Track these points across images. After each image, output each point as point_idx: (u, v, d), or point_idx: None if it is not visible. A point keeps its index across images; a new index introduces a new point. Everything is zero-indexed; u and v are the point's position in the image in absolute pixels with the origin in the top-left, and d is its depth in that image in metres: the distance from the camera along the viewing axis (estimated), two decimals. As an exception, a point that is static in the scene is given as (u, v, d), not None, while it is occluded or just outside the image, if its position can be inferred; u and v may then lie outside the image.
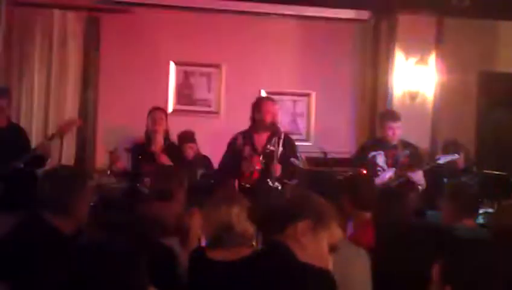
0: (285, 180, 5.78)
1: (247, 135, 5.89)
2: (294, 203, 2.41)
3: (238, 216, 3.14)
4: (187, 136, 6.55)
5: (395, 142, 6.19)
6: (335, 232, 2.41)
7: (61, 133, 5.97)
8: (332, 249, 2.41)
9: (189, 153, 6.44)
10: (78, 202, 2.86)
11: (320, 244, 2.37)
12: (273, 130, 5.79)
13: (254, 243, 3.29)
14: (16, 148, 5.81)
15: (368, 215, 4.02)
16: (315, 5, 7.40)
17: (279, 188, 5.75)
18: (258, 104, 5.91)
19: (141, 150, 6.09)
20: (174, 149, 6.12)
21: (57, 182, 2.91)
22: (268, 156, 5.65)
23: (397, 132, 6.19)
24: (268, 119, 5.79)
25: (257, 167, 5.72)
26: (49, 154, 5.88)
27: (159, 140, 6.07)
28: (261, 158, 5.75)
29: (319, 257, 2.36)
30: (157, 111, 6.20)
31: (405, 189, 5.92)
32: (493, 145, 7.64)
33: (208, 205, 3.30)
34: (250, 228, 3.18)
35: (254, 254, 3.01)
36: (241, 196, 3.35)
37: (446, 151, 6.31)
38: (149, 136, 6.11)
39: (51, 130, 6.86)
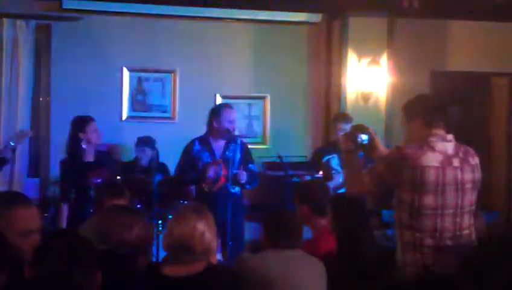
0: (246, 185, 5.82)
1: (204, 141, 5.88)
2: None
3: (203, 234, 3.07)
4: (142, 140, 6.54)
5: None
6: None
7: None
8: None
9: (141, 156, 6.45)
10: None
11: None
12: (230, 137, 5.81)
13: (214, 258, 3.27)
14: None
15: (324, 221, 4.07)
16: (267, 9, 7.42)
17: (238, 193, 5.79)
18: (218, 112, 5.89)
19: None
20: (104, 157, 5.88)
21: None
22: (227, 162, 5.66)
23: None
24: (227, 126, 5.78)
25: (223, 173, 5.72)
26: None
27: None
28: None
29: None
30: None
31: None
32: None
33: (173, 218, 3.21)
34: (212, 244, 3.15)
35: (207, 269, 3.02)
36: (208, 211, 3.23)
37: None
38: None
39: (2, 141, 6.76)
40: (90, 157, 5.64)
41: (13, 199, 2.76)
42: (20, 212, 2.65)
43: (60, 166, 5.82)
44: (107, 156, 5.93)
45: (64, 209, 5.52)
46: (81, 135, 5.59)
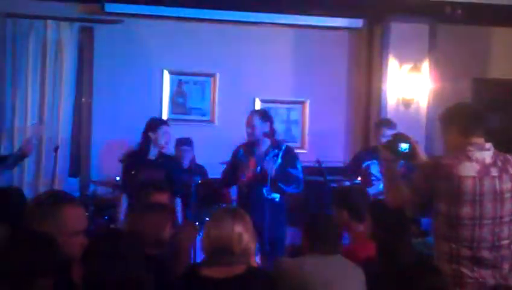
0: (283, 187, 5.77)
1: (248, 146, 5.90)
2: None
3: (241, 236, 3.09)
4: (182, 140, 6.60)
5: None
6: None
7: (23, 154, 5.95)
8: None
9: (184, 156, 6.50)
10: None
11: None
12: (273, 142, 5.79)
13: (253, 261, 3.27)
14: None
15: (362, 227, 4.04)
16: (308, 14, 7.41)
17: (276, 199, 5.73)
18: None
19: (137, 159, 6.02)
20: (169, 161, 6.04)
21: None
22: (265, 168, 5.64)
23: None
24: (247, 131, 5.81)
25: (251, 168, 5.73)
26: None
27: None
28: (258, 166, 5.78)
29: None
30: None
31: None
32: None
33: (211, 220, 3.23)
34: (251, 246, 3.16)
35: (247, 272, 3.03)
36: (245, 213, 3.25)
37: None
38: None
39: (45, 142, 6.90)
40: (152, 157, 5.87)
41: (63, 198, 2.75)
42: (71, 211, 2.65)
43: (123, 158, 6.07)
44: (173, 162, 6.08)
45: (123, 199, 5.77)
46: (151, 135, 5.84)
